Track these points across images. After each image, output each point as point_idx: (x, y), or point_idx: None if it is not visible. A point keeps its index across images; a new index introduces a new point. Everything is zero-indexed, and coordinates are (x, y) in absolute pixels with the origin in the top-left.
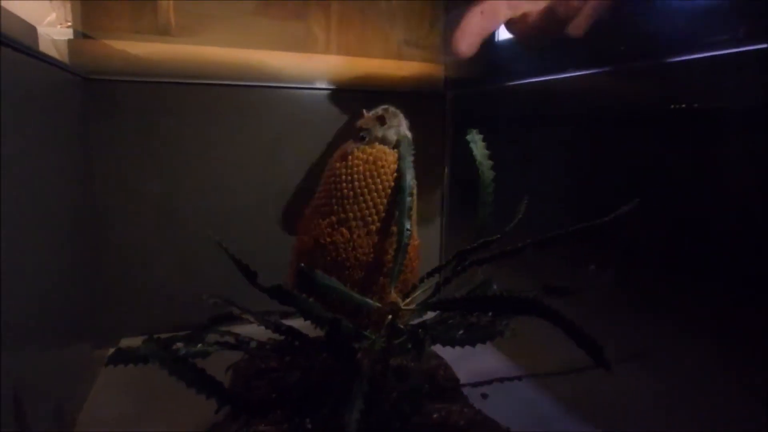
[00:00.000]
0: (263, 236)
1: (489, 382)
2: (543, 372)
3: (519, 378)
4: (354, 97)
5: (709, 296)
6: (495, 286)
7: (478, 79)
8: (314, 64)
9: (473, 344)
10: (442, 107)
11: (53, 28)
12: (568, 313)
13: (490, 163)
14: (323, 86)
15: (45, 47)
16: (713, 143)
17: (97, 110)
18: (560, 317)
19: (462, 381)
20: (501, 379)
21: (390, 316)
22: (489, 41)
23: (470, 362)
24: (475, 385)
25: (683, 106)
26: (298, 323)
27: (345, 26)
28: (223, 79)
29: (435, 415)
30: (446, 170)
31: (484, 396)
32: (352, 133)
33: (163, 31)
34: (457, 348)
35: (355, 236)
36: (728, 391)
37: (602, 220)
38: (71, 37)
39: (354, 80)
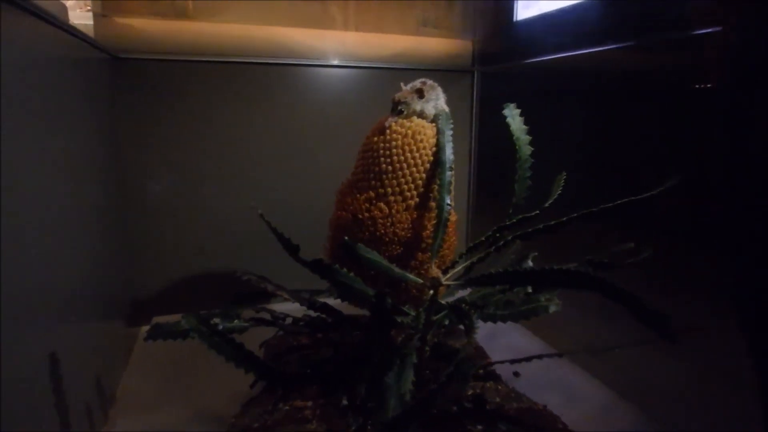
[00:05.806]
0: (295, 212)
1: (528, 359)
2: (576, 351)
3: (560, 355)
4: (382, 74)
5: (747, 275)
6: (530, 262)
7: (508, 56)
8: (343, 41)
9: (516, 320)
10: (471, 84)
11: (72, 11)
12: None
13: (528, 138)
14: (352, 64)
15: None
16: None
17: (126, 88)
18: (618, 290)
19: (492, 359)
20: (540, 356)
21: (431, 292)
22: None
23: (497, 341)
24: (513, 362)
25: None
26: (330, 302)
27: (363, 7)
28: (250, 57)
29: (470, 392)
30: (473, 146)
31: (516, 374)
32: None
33: (180, 14)
34: (485, 327)
35: (393, 211)
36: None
37: (650, 193)
38: (91, 21)
39: (382, 57)
